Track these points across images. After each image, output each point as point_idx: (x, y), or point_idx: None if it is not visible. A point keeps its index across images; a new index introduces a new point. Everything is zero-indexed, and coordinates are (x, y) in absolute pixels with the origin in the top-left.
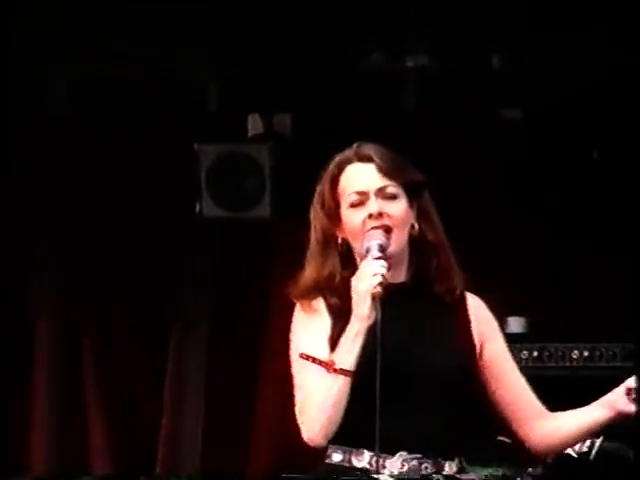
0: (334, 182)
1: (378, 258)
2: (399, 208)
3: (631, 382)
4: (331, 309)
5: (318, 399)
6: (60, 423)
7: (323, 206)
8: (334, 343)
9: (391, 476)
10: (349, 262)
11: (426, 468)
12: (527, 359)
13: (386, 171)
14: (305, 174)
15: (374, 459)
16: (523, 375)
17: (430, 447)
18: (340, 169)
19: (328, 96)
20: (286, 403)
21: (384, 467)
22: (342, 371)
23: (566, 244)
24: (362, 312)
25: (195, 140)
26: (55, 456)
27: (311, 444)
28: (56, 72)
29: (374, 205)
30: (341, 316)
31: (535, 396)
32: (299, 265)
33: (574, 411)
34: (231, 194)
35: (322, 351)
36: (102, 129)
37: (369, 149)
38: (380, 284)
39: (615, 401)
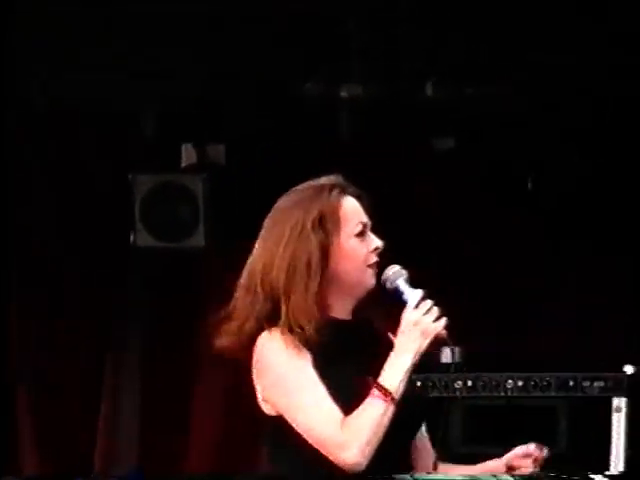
0: (337, 207)
1: (424, 297)
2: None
3: (532, 447)
4: (308, 343)
5: (371, 424)
6: None
7: (324, 229)
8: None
9: None
10: (326, 293)
11: None
12: (461, 389)
13: (366, 209)
14: (239, 204)
15: None
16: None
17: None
18: (340, 196)
19: (262, 126)
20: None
21: None
22: (394, 401)
23: (501, 274)
24: (420, 348)
25: (129, 170)
26: None
27: (354, 469)
28: None
29: (377, 240)
30: (319, 351)
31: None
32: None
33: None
34: (165, 224)
35: (320, 384)
36: (37, 157)
37: (347, 187)
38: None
39: (511, 460)
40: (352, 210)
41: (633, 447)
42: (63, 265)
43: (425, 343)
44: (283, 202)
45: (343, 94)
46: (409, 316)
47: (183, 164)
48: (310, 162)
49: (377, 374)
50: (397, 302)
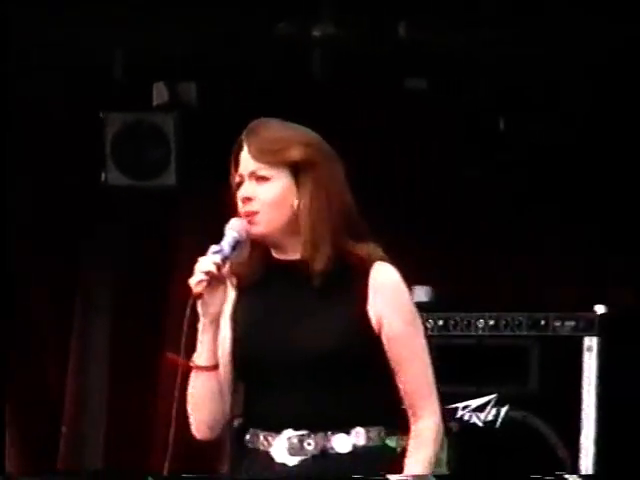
0: (234, 162)
1: (215, 252)
2: (270, 190)
3: None
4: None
5: (190, 398)
6: None
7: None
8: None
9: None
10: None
11: (309, 444)
12: (432, 328)
13: (255, 154)
14: (210, 143)
15: (259, 437)
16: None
17: (316, 423)
18: (237, 150)
19: (234, 65)
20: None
21: (270, 445)
22: (199, 368)
23: (474, 213)
24: (199, 310)
25: (101, 108)
26: None
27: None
28: None
29: (242, 189)
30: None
31: (430, 388)
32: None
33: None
34: (136, 162)
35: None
36: (8, 96)
37: (248, 132)
38: (200, 282)
39: None
40: (238, 162)
41: (604, 387)
42: (32, 204)
43: (200, 308)
44: None
45: (315, 33)
46: None
47: (154, 103)
48: (282, 102)
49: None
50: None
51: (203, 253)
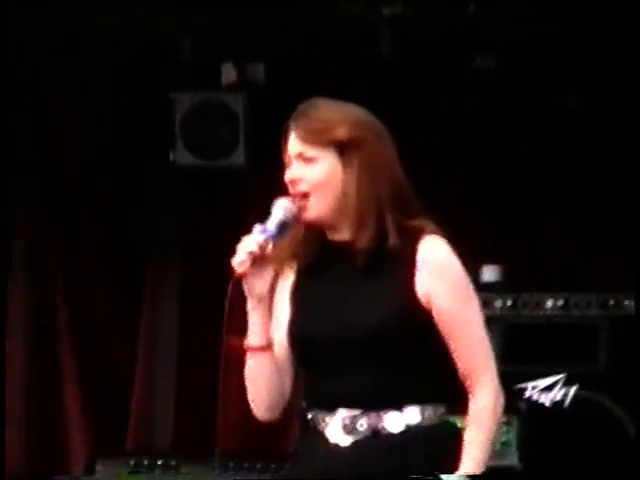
0: (283, 146)
1: (259, 232)
2: (318, 171)
3: None
4: (287, 259)
5: (247, 381)
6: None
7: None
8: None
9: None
10: None
11: (361, 425)
12: (501, 307)
13: (302, 135)
14: (279, 122)
15: (314, 418)
16: (487, 329)
17: (369, 402)
18: (285, 135)
19: (302, 44)
20: None
21: (327, 425)
22: (254, 349)
23: (542, 194)
24: (246, 290)
25: (169, 89)
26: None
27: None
28: (22, 22)
29: (289, 172)
30: (299, 263)
31: (486, 363)
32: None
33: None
34: (205, 142)
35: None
36: (75, 78)
37: (296, 114)
38: (242, 262)
39: None
40: (286, 146)
41: None
42: (102, 185)
43: (246, 287)
44: None
45: (385, 12)
46: None
47: (223, 83)
48: (350, 81)
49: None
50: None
51: None
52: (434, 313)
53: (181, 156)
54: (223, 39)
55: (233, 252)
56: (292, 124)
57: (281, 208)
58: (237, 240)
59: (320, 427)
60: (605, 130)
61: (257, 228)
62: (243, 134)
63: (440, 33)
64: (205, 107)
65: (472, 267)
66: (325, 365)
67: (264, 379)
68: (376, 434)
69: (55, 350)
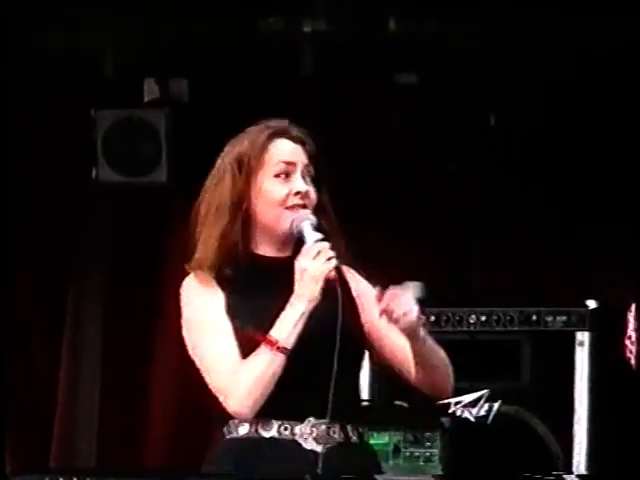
0: (262, 149)
1: (321, 240)
2: (314, 193)
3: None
4: (224, 281)
5: (254, 374)
6: None
7: (240, 171)
8: (233, 316)
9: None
10: (249, 232)
11: (334, 432)
12: (424, 324)
13: (312, 155)
14: (202, 139)
15: (282, 427)
16: None
17: (334, 414)
18: (271, 138)
19: (225, 61)
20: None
21: (294, 434)
22: (284, 350)
23: (467, 210)
24: (312, 294)
25: (91, 105)
26: None
27: (237, 417)
28: None
29: (301, 183)
30: (234, 289)
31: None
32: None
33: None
34: (127, 159)
35: (226, 325)
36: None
37: (301, 132)
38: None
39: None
40: (278, 152)
41: (595, 382)
42: (23, 200)
43: (316, 289)
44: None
45: (306, 29)
46: (299, 263)
47: (145, 99)
48: (273, 98)
49: None
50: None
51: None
52: None
53: (103, 173)
54: (145, 55)
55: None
56: (297, 140)
57: (304, 219)
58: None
59: (290, 434)
60: (529, 144)
61: (314, 235)
62: (165, 151)
63: (361, 50)
64: (127, 124)
65: (398, 283)
66: (294, 375)
67: (275, 381)
68: (347, 442)
69: None
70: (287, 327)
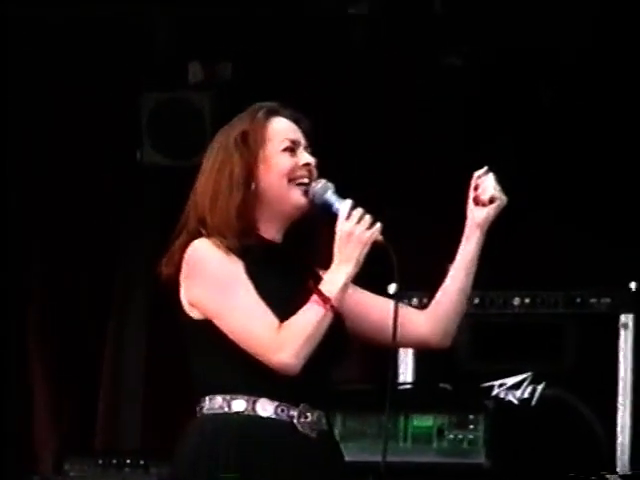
0: (263, 126)
1: (354, 207)
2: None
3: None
4: (234, 249)
5: (307, 328)
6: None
7: (247, 145)
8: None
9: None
10: (254, 202)
11: (320, 419)
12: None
13: (309, 136)
14: None
15: (279, 409)
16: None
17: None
18: (268, 116)
19: (269, 43)
20: None
21: (290, 416)
22: (334, 309)
23: (510, 193)
24: (360, 258)
25: (136, 88)
26: None
27: (286, 371)
28: None
29: (308, 155)
30: (238, 256)
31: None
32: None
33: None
34: (172, 141)
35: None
36: (42, 73)
37: (294, 112)
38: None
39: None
40: (280, 128)
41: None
42: (68, 184)
43: (363, 252)
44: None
45: (351, 11)
46: (343, 227)
47: (190, 81)
48: (316, 78)
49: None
50: (329, 217)
51: None
52: None
53: (148, 155)
54: (190, 38)
55: None
56: (294, 119)
57: (324, 187)
58: None
59: (287, 418)
60: (580, 123)
61: (347, 203)
62: (210, 133)
63: (406, 31)
64: (172, 106)
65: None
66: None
67: (319, 337)
68: (330, 430)
69: (24, 351)
70: (337, 286)
